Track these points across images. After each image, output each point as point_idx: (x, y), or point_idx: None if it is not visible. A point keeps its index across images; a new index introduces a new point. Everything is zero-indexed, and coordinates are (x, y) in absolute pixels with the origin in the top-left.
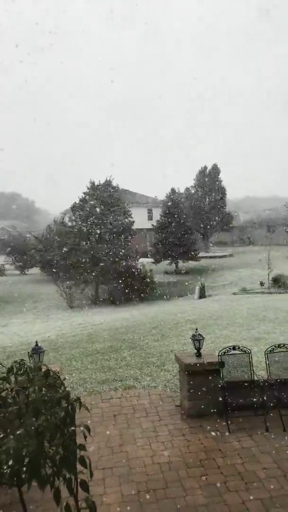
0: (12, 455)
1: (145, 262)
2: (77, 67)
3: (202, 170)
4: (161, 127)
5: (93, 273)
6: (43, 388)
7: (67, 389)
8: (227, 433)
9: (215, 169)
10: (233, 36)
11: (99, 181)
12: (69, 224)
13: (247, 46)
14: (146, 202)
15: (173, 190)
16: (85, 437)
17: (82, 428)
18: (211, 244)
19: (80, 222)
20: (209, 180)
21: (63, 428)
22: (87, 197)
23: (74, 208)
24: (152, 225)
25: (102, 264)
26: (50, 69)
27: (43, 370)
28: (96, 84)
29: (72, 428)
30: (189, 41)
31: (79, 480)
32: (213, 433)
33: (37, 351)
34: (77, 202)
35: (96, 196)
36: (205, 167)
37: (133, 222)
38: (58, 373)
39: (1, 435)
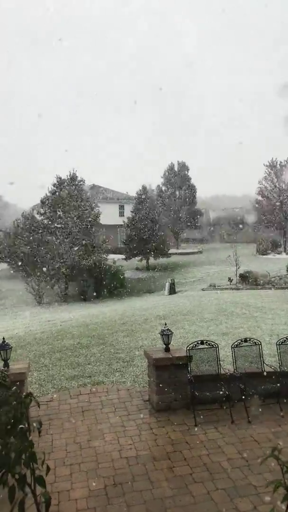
0: None
1: (116, 258)
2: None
3: (169, 168)
4: (139, 124)
5: (62, 269)
6: None
7: (34, 385)
8: (194, 426)
9: (183, 167)
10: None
11: (67, 175)
12: (38, 218)
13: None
14: (117, 198)
15: (144, 187)
16: (39, 432)
17: (35, 424)
18: (181, 241)
19: (47, 216)
20: (178, 177)
21: (14, 426)
22: (54, 190)
23: (43, 202)
24: (123, 221)
25: (71, 259)
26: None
27: None
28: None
29: (21, 426)
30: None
31: (36, 475)
32: (180, 426)
33: (4, 347)
34: (46, 195)
35: (62, 190)
36: (172, 165)
37: (99, 213)
38: (26, 369)
39: None
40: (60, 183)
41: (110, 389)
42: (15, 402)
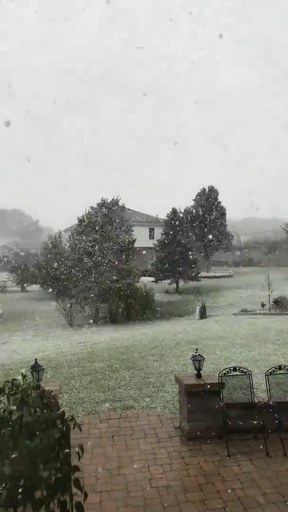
0: (7, 478)
1: (146, 281)
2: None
3: (200, 192)
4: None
5: (94, 291)
6: (37, 409)
7: (64, 408)
8: (227, 457)
9: (213, 191)
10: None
11: (107, 198)
12: (69, 241)
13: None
14: (148, 221)
15: (174, 210)
16: (79, 457)
17: (76, 449)
18: (212, 264)
19: (83, 238)
20: (208, 201)
21: (58, 449)
22: (92, 212)
23: (80, 221)
24: (153, 244)
25: (103, 281)
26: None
27: (36, 389)
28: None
29: (67, 450)
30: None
31: (74, 502)
32: (212, 457)
33: (36, 369)
34: (82, 216)
35: (101, 213)
36: (204, 190)
37: (135, 240)
38: (57, 391)
39: None
40: (101, 205)
41: (140, 415)
42: (60, 425)
